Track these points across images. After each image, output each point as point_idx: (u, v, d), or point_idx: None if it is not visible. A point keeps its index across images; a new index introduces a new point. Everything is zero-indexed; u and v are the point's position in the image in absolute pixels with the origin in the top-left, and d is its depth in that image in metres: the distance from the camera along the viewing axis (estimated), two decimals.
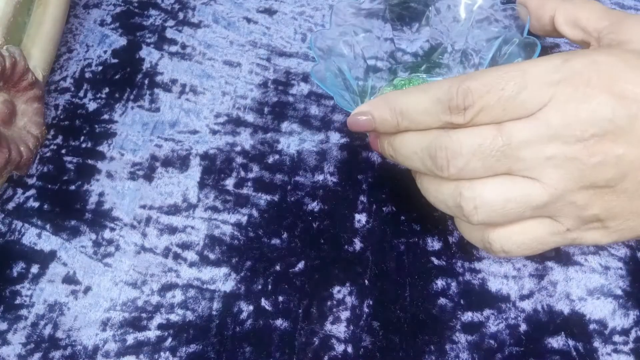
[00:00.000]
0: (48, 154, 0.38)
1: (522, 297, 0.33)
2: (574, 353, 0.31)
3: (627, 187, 0.25)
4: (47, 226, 0.35)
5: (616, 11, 0.32)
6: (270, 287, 0.33)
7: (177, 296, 0.33)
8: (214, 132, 0.40)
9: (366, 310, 0.33)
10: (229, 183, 0.37)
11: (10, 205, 0.36)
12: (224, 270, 0.34)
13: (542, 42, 0.33)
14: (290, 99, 0.41)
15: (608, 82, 0.25)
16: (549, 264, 0.34)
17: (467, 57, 0.39)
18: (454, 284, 0.33)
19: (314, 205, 0.36)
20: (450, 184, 0.27)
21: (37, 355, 0.31)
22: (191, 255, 0.35)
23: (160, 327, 0.32)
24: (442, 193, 0.28)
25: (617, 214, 0.26)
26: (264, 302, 0.33)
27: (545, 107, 0.25)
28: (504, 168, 0.26)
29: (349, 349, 0.31)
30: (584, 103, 0.24)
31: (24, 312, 0.33)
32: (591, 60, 0.25)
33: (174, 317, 0.32)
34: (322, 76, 0.34)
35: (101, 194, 0.37)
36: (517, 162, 0.26)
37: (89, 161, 0.38)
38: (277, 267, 0.34)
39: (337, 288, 0.33)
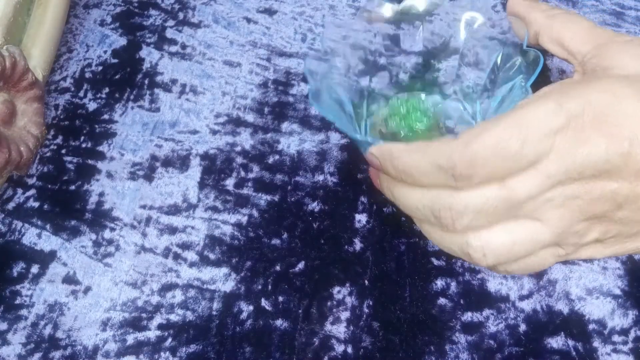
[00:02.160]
0: (48, 154, 0.38)
1: (522, 297, 0.33)
2: (574, 353, 0.31)
3: (623, 215, 0.27)
4: (47, 226, 0.35)
5: (602, 32, 0.32)
6: (270, 287, 0.33)
7: (177, 296, 0.33)
8: (214, 132, 0.40)
9: (366, 310, 0.33)
10: (229, 183, 0.37)
11: (10, 205, 0.36)
12: (224, 270, 0.34)
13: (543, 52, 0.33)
14: (290, 99, 0.41)
15: (601, 123, 0.26)
16: None
17: (464, 74, 0.38)
18: (453, 284, 0.33)
19: (314, 206, 0.36)
20: (456, 234, 0.28)
21: (37, 355, 0.31)
22: (191, 256, 0.35)
23: (160, 327, 0.32)
24: (447, 241, 0.29)
25: (615, 235, 0.28)
26: (264, 302, 0.33)
27: (546, 157, 0.26)
28: (507, 218, 0.27)
29: (349, 349, 0.31)
30: (580, 148, 0.26)
31: (24, 312, 0.33)
32: (585, 101, 0.26)
33: (174, 317, 0.32)
34: (317, 97, 0.33)
35: (101, 194, 0.37)
36: (519, 210, 0.27)
37: (89, 161, 0.38)
38: (277, 267, 0.34)
39: (337, 288, 0.33)
